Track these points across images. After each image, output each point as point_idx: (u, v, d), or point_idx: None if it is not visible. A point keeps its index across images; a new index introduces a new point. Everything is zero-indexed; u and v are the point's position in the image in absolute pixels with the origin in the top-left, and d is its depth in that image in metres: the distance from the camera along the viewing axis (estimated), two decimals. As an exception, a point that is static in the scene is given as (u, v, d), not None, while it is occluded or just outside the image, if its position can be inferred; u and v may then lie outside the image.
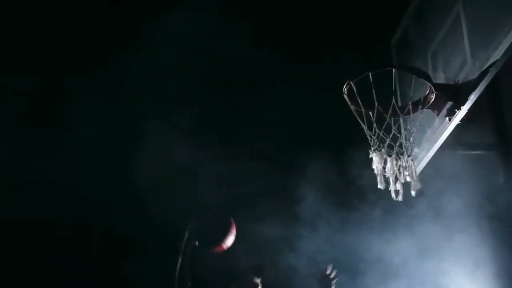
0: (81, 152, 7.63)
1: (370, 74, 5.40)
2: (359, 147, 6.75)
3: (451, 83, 5.58)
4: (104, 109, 7.53)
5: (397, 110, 5.62)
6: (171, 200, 7.45)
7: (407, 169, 5.64)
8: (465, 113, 5.47)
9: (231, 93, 7.75)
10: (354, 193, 7.30)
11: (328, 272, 6.01)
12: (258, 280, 5.98)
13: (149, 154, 7.62)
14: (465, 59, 5.40)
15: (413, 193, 5.64)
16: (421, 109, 5.65)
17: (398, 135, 5.69)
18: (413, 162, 5.69)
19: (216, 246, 5.83)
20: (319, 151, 7.44)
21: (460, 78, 5.48)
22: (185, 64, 7.43)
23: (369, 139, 5.71)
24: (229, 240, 5.85)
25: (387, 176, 5.67)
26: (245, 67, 7.38)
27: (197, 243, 5.75)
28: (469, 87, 5.32)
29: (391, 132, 5.64)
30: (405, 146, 5.69)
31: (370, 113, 5.59)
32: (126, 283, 7.74)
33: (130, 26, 7.62)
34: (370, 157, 5.73)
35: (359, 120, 5.66)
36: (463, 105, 5.40)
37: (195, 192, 7.49)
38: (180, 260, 5.68)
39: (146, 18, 7.53)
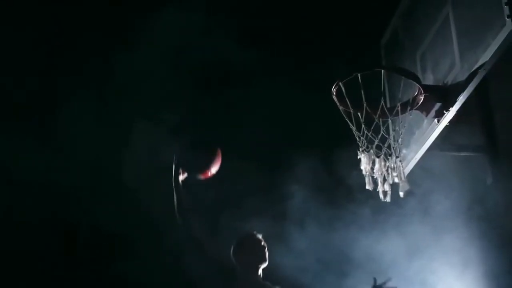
0: (68, 151, 7.61)
1: (359, 75, 5.40)
2: (348, 146, 6.75)
3: (440, 85, 5.58)
4: (92, 108, 7.51)
5: (386, 111, 5.63)
6: (158, 199, 7.42)
7: (395, 170, 5.64)
8: (453, 114, 5.48)
9: (219, 92, 7.73)
10: (343, 193, 7.29)
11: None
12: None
13: (137, 153, 7.59)
14: (454, 60, 5.40)
15: (401, 194, 5.64)
16: (409, 110, 5.65)
17: (387, 136, 5.69)
18: (401, 163, 5.69)
19: (202, 171, 5.72)
20: (307, 151, 7.43)
21: (449, 80, 5.48)
22: (173, 64, 7.41)
23: (358, 139, 5.70)
24: (215, 167, 5.76)
25: (375, 177, 5.67)
26: (233, 67, 7.37)
27: (185, 171, 5.65)
28: (458, 88, 5.33)
29: (379, 133, 5.64)
30: (393, 147, 5.70)
31: (359, 114, 5.59)
32: (114, 282, 7.72)
33: (119, 25, 7.59)
34: (358, 157, 5.72)
35: (348, 121, 5.66)
36: (452, 106, 5.41)
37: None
38: (175, 195, 5.55)
39: (135, 17, 7.51)
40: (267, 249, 5.63)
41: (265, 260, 5.60)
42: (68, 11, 7.64)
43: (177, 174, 5.61)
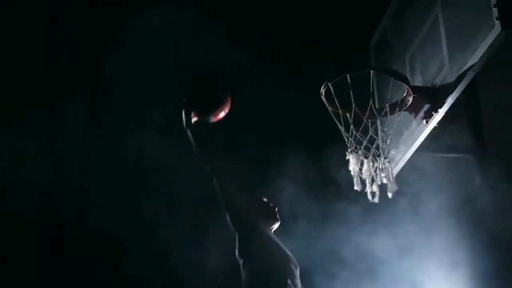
0: (55, 149, 7.58)
1: (348, 75, 5.40)
2: (336, 146, 6.75)
3: (429, 86, 5.58)
4: (79, 106, 7.48)
5: (375, 112, 5.62)
6: (146, 198, 7.42)
7: (384, 171, 5.63)
8: (442, 115, 5.48)
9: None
10: (332, 192, 7.28)
11: None
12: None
13: (124, 152, 7.57)
14: (443, 62, 5.40)
15: (389, 195, 5.64)
16: (398, 111, 5.65)
17: (375, 137, 5.68)
18: (390, 164, 5.68)
19: (215, 113, 5.50)
20: (296, 150, 7.42)
21: (438, 81, 5.48)
22: (162, 63, 7.39)
23: (346, 140, 5.69)
24: (226, 109, 5.55)
25: (363, 177, 5.67)
26: (221, 67, 7.35)
27: (196, 113, 5.45)
28: (447, 90, 5.33)
29: (368, 133, 5.63)
30: (381, 148, 5.69)
31: (348, 114, 5.58)
32: (102, 282, 7.70)
33: (110, 25, 7.57)
34: (347, 158, 5.71)
35: (336, 122, 5.66)
36: (440, 108, 5.41)
37: (170, 190, 7.45)
38: (192, 138, 5.37)
39: (125, 17, 7.48)
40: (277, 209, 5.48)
41: (276, 221, 5.42)
42: (58, 11, 7.62)
43: (188, 116, 5.42)
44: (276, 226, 5.41)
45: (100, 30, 7.61)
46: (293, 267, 5.10)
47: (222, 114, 5.54)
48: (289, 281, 4.98)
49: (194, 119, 5.42)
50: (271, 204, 5.47)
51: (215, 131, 5.53)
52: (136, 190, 7.52)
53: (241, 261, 5.17)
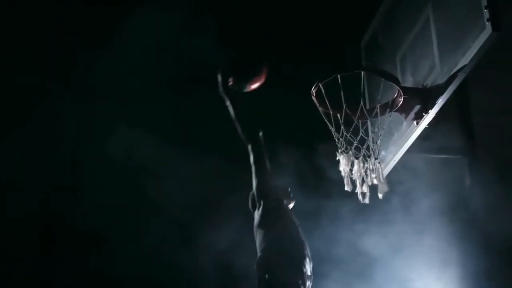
0: (41, 148, 7.55)
1: (338, 76, 5.39)
2: (328, 144, 6.75)
3: (420, 87, 5.58)
4: (67, 105, 7.46)
5: (365, 112, 5.62)
6: (133, 198, 7.40)
7: (374, 171, 5.63)
8: (432, 117, 5.47)
9: (197, 91, 7.70)
10: (323, 191, 7.27)
11: None
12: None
13: (111, 151, 7.55)
14: (433, 63, 5.41)
15: (380, 195, 5.63)
16: (389, 112, 5.64)
17: (366, 138, 5.68)
18: (380, 165, 5.68)
19: (251, 81, 5.59)
20: (286, 149, 7.41)
21: (429, 82, 5.48)
22: (150, 62, 7.37)
23: (337, 141, 5.69)
24: (262, 79, 5.64)
25: (354, 178, 5.66)
26: (211, 66, 7.34)
27: (232, 79, 5.53)
28: (437, 91, 5.33)
29: (358, 134, 5.63)
30: (372, 149, 5.69)
31: (338, 115, 5.57)
32: (90, 280, 7.68)
33: (98, 24, 7.54)
34: (337, 159, 5.71)
35: (327, 122, 5.64)
36: (431, 109, 5.41)
37: (158, 189, 7.44)
38: (228, 104, 5.51)
39: (112, 15, 7.46)
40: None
41: (292, 200, 5.74)
42: (46, 10, 7.58)
43: (225, 80, 5.50)
44: (291, 205, 5.73)
45: (91, 28, 7.58)
46: (309, 255, 5.29)
47: (257, 84, 5.62)
48: (306, 266, 5.12)
49: (230, 84, 5.48)
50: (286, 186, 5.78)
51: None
52: (125, 189, 7.50)
53: (261, 233, 5.26)
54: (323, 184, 7.19)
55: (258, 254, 5.26)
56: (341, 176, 5.70)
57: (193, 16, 7.26)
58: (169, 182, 7.40)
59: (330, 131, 5.69)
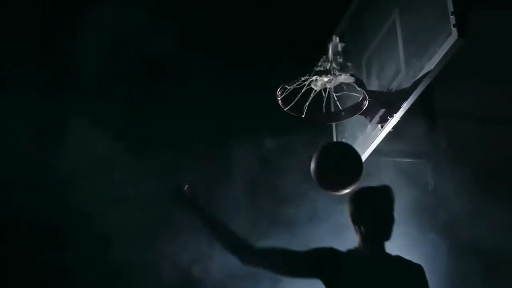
0: (1, 143, 7.45)
1: (302, 78, 5.39)
2: (284, 147, 6.76)
3: (385, 91, 5.60)
4: (28, 99, 7.36)
5: (330, 115, 5.62)
6: (93, 192, 7.31)
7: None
8: (397, 120, 5.49)
9: (157, 88, 7.66)
10: (280, 195, 7.26)
11: None
12: None
13: (72, 146, 7.47)
14: (399, 67, 5.43)
15: None
16: (353, 115, 5.65)
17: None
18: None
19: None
20: (243, 146, 7.40)
21: (394, 86, 5.50)
22: (109, 58, 7.31)
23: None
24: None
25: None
26: (174, 64, 7.31)
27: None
28: (402, 95, 5.34)
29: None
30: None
31: (303, 117, 5.56)
32: (45, 273, 7.59)
33: (57, 17, 7.46)
34: None
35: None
36: (396, 112, 5.42)
37: (116, 184, 7.37)
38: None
39: (74, 8, 7.39)
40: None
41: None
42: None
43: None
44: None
45: (50, 21, 7.49)
46: None
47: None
48: None
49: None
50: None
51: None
52: (77, 183, 7.42)
53: None
54: (281, 187, 7.20)
55: None
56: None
57: (154, 11, 7.21)
58: (124, 176, 7.34)
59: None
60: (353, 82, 5.49)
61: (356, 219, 4.81)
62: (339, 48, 5.39)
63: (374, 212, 4.80)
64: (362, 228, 4.77)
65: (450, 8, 4.73)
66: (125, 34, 7.19)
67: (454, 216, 6.99)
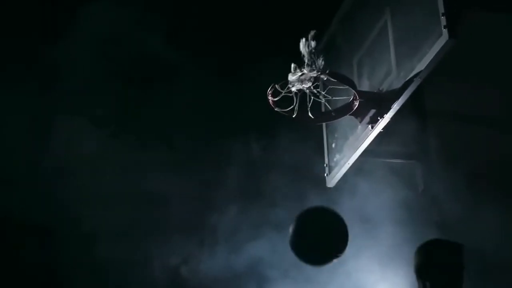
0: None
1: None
2: (270, 147, 6.75)
3: (375, 91, 5.61)
4: (16, 97, 7.33)
5: (321, 115, 5.62)
6: (81, 190, 7.30)
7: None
8: (387, 121, 5.49)
9: (147, 87, 7.65)
10: (268, 194, 7.26)
11: None
12: None
13: (60, 144, 7.46)
14: (390, 68, 5.44)
15: None
16: (344, 115, 5.65)
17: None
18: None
19: None
20: (231, 145, 7.40)
21: (384, 87, 5.51)
22: (98, 57, 7.30)
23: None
24: None
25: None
26: (163, 63, 7.30)
27: None
28: (393, 96, 5.35)
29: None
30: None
31: (293, 117, 5.56)
32: (37, 272, 7.57)
33: (45, 16, 7.44)
34: None
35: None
36: (386, 113, 5.43)
37: (102, 182, 7.36)
38: None
39: (63, 7, 7.37)
40: None
41: None
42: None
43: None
44: None
45: (38, 21, 7.47)
46: None
47: None
48: None
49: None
50: None
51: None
52: (65, 181, 7.40)
53: None
54: (269, 186, 7.20)
55: None
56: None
57: (144, 10, 7.20)
58: (111, 173, 7.33)
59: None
60: (337, 79, 5.50)
61: (422, 274, 4.54)
62: (312, 46, 5.36)
63: (444, 268, 4.51)
64: (428, 285, 4.48)
65: (441, 9, 4.75)
66: (115, 33, 7.19)
67: (444, 217, 7.00)
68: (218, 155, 7.49)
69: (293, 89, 5.35)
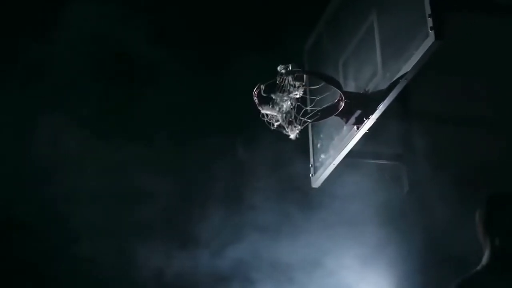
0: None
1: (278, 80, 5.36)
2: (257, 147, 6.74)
3: (361, 92, 5.60)
4: (0, 94, 7.29)
5: (306, 116, 5.60)
6: (62, 188, 7.26)
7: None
8: (373, 122, 5.48)
9: (129, 86, 7.62)
10: (251, 196, 7.25)
11: None
12: None
13: (44, 141, 7.42)
14: (376, 69, 5.44)
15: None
16: (330, 116, 5.63)
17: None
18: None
19: None
20: (212, 146, 7.38)
21: (370, 88, 5.50)
22: (84, 54, 7.27)
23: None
24: None
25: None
26: (145, 61, 7.28)
27: None
28: (379, 97, 5.35)
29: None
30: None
31: (279, 116, 5.53)
32: (19, 268, 7.54)
33: (29, 13, 7.40)
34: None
35: (267, 123, 5.59)
36: (372, 114, 5.42)
37: (83, 180, 7.33)
38: None
39: (46, 5, 7.33)
40: None
41: None
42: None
43: None
44: None
45: (22, 17, 7.43)
46: None
47: None
48: None
49: None
50: None
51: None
52: (49, 179, 7.36)
53: None
54: (252, 188, 7.19)
55: None
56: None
57: (128, 8, 7.17)
58: (95, 171, 7.30)
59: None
60: (323, 80, 5.49)
61: (493, 230, 4.14)
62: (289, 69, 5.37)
63: None
64: (497, 242, 4.11)
65: (428, 10, 4.74)
66: (98, 31, 7.16)
67: (429, 218, 7.02)
68: (202, 154, 7.47)
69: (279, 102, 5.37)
